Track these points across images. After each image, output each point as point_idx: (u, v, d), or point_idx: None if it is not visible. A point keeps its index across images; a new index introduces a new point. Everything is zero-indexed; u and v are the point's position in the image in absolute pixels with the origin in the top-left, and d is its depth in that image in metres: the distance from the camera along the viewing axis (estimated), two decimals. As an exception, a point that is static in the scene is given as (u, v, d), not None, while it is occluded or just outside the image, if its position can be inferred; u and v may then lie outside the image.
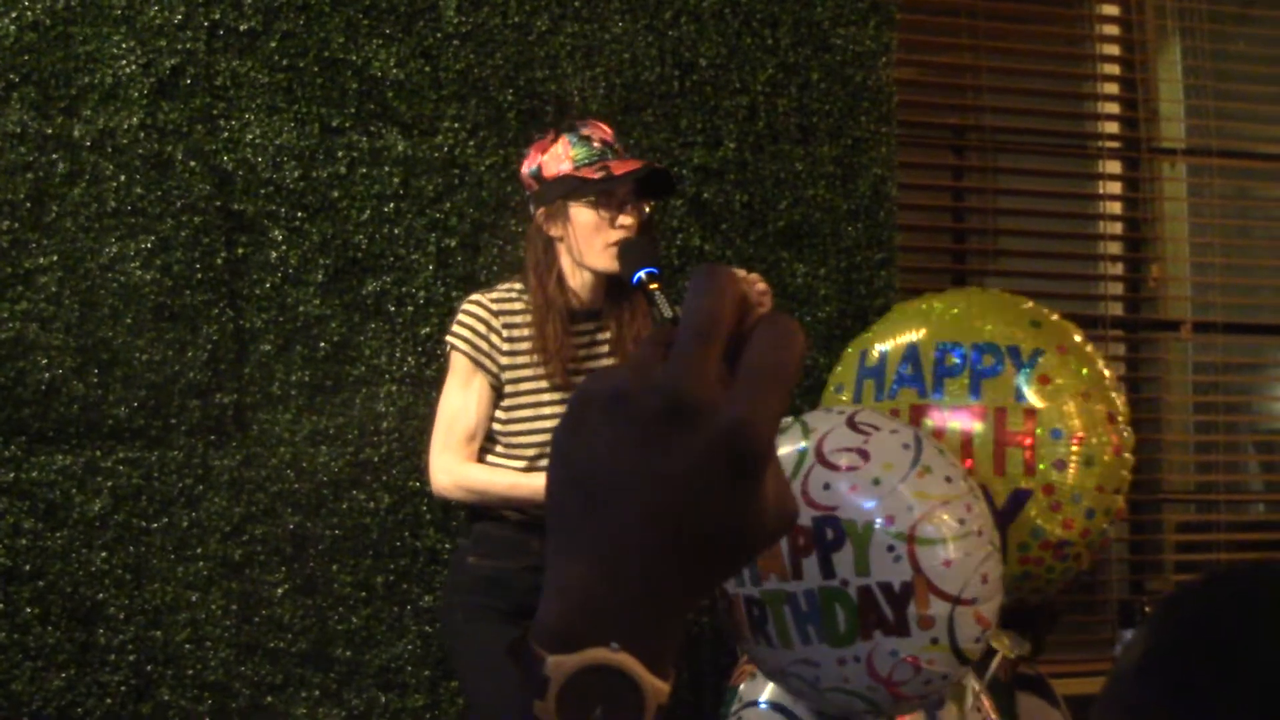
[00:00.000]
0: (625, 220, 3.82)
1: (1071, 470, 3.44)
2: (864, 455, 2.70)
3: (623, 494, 0.82)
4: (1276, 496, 6.55)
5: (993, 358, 3.53)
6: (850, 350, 3.81)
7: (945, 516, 2.67)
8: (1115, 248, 6.11)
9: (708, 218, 4.99)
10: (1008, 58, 5.99)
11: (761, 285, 3.89)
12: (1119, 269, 6.13)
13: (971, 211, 6.00)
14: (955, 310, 3.74)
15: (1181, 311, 6.08)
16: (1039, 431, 3.45)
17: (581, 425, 0.84)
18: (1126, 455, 3.61)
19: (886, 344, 3.66)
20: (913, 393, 3.53)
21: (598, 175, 3.79)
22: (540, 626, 0.84)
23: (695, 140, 5.01)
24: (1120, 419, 3.60)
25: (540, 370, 3.87)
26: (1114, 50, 6.14)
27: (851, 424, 2.77)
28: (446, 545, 4.65)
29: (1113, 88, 6.11)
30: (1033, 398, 3.47)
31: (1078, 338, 3.73)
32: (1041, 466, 3.42)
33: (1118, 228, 6.11)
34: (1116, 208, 6.10)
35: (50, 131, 4.40)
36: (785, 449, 2.70)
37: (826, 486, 2.65)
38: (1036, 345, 3.59)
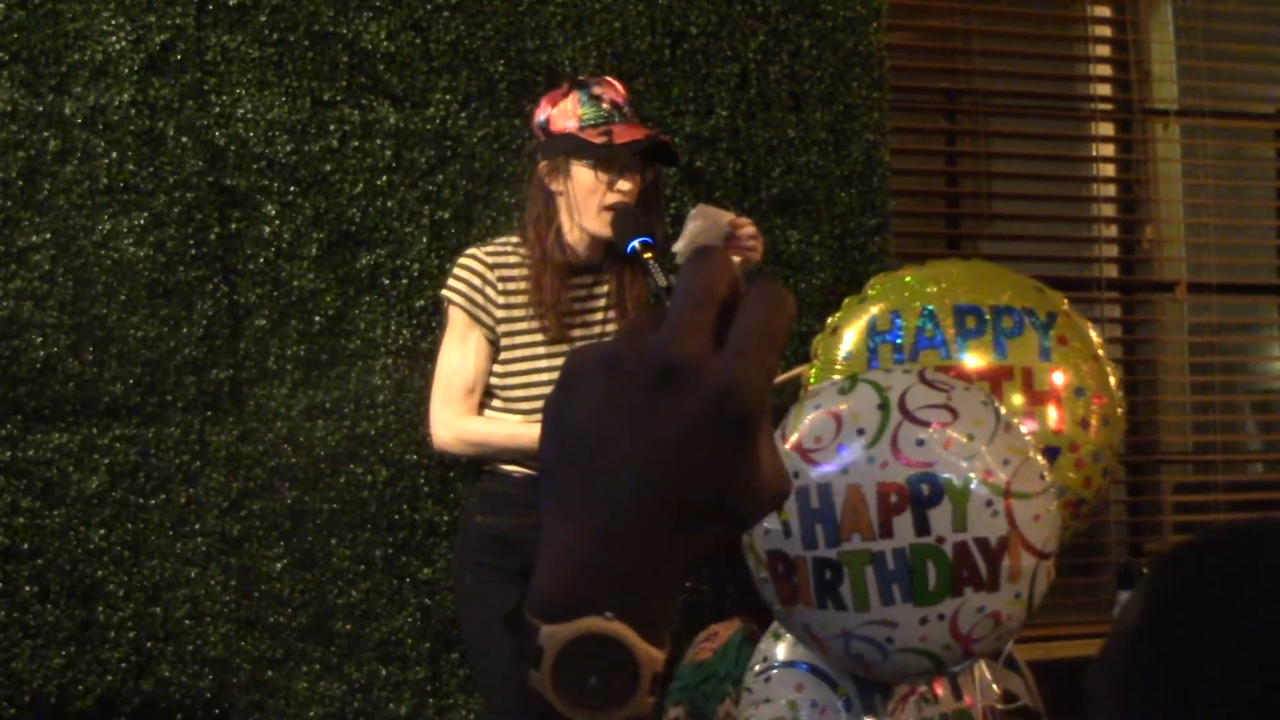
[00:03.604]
0: (623, 185, 3.84)
1: (1093, 429, 3.46)
2: (952, 412, 2.69)
3: (616, 460, 0.82)
4: (1274, 456, 6.55)
5: (1012, 319, 3.54)
6: (840, 316, 3.78)
7: (1033, 472, 2.68)
8: (1109, 209, 6.11)
9: (701, 186, 4.98)
10: (999, 21, 5.98)
11: (751, 229, 3.91)
12: (1113, 231, 6.13)
13: (964, 176, 5.99)
14: (954, 273, 3.73)
15: (1176, 272, 6.08)
16: (1064, 390, 3.46)
17: (574, 392, 0.85)
18: (1123, 417, 3.63)
19: (894, 308, 3.65)
20: (935, 354, 3.52)
21: (600, 140, 3.81)
22: (535, 596, 0.84)
23: (687, 109, 5.01)
24: (1116, 382, 3.62)
25: (535, 324, 3.88)
26: (1105, 12, 6.12)
27: (925, 381, 2.76)
28: (445, 517, 4.65)
29: (1105, 49, 6.10)
30: (1056, 358, 3.48)
31: (1067, 306, 3.74)
32: (1068, 425, 3.43)
33: (1111, 189, 6.10)
34: (1110, 169, 6.10)
35: (41, 109, 4.39)
36: (860, 407, 2.70)
37: (920, 443, 2.64)
38: (1049, 308, 3.60)
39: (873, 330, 3.65)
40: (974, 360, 3.47)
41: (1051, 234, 6.20)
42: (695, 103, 5.01)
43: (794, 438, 2.70)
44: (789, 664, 3.03)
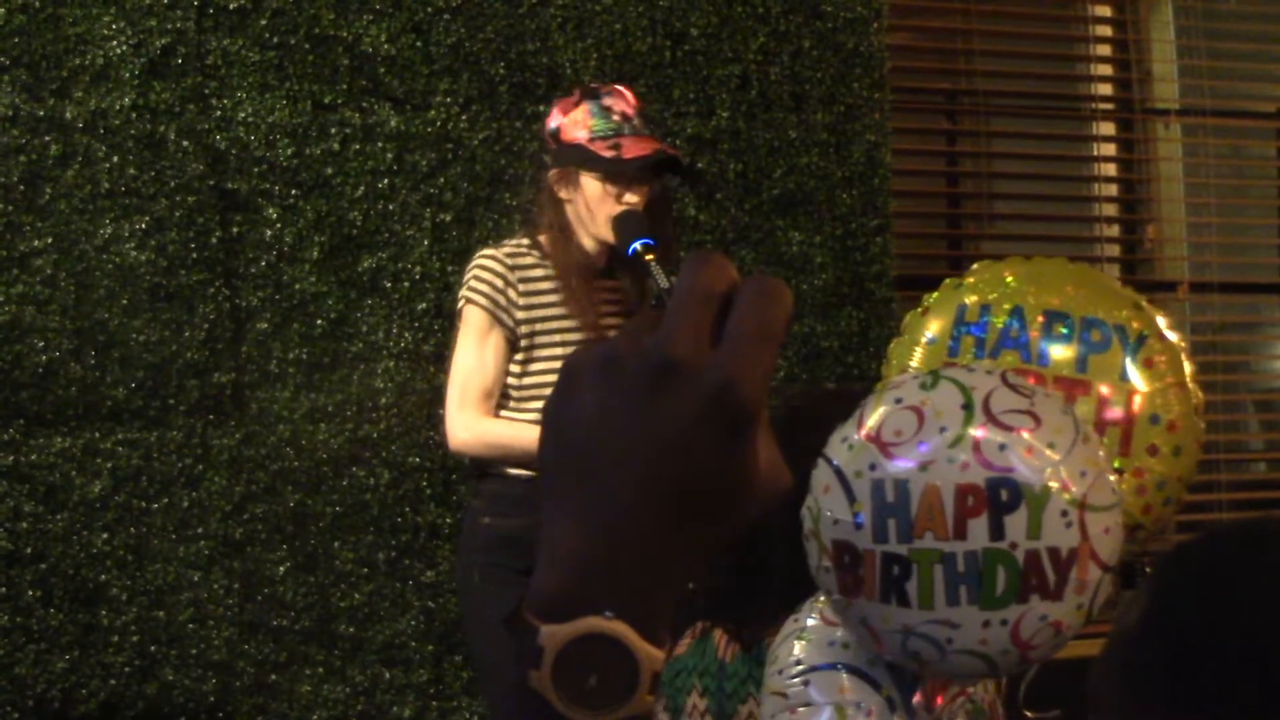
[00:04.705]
0: (631, 197, 3.84)
1: (1161, 457, 3.41)
2: (1035, 418, 2.67)
3: (616, 458, 0.82)
4: (1277, 455, 6.55)
5: (1100, 334, 3.47)
6: (936, 298, 3.72)
7: (1107, 485, 2.66)
8: (1110, 209, 6.11)
9: (702, 187, 4.98)
10: (1000, 21, 5.97)
11: None
12: (1114, 230, 6.13)
13: (966, 176, 5.99)
14: (1054, 273, 3.67)
15: (1178, 272, 6.08)
16: (1139, 415, 3.41)
17: (572, 393, 0.85)
18: (1198, 448, 3.57)
19: (987, 301, 3.60)
20: (1015, 355, 3.48)
21: (608, 153, 3.81)
22: (534, 596, 0.84)
23: (688, 110, 5.00)
24: (1200, 411, 3.56)
25: (565, 324, 3.88)
26: (1105, 11, 6.12)
27: (1008, 384, 2.75)
28: (448, 520, 4.65)
29: (1105, 49, 6.10)
30: (1137, 380, 3.43)
31: (1165, 327, 3.68)
32: (1135, 450, 3.39)
33: (1113, 189, 6.10)
34: (1111, 169, 6.10)
35: (42, 114, 4.39)
36: (944, 404, 2.68)
37: (1002, 448, 2.63)
38: (1142, 329, 3.55)
39: (960, 320, 3.59)
40: (1054, 368, 3.43)
41: (1052, 234, 6.19)
42: (696, 104, 5.01)
43: (871, 428, 2.68)
44: (825, 666, 3.00)
